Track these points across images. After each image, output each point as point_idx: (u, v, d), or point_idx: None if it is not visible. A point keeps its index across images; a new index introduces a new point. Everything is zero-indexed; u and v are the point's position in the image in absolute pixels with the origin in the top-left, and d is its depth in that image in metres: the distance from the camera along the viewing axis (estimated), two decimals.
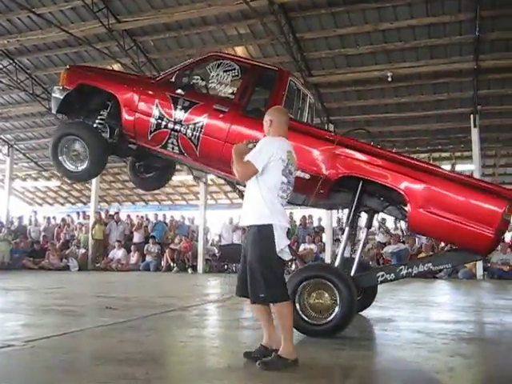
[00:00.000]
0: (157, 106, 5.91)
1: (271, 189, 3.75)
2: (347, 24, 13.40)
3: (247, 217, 3.83)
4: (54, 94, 6.52)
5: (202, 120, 5.65)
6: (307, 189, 5.12)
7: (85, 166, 6.31)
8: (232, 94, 5.74)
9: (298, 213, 17.40)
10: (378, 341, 4.99)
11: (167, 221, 19.59)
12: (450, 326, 5.80)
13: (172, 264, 16.43)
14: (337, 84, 15.43)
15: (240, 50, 14.96)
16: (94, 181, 19.76)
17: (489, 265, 14.09)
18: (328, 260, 14.94)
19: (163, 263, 16.60)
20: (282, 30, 13.21)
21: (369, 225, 5.82)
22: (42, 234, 19.73)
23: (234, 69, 5.79)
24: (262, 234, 3.69)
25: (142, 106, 6.03)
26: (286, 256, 3.77)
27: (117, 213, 19.88)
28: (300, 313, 4.75)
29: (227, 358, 4.19)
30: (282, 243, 3.70)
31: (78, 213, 21.90)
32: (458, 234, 4.67)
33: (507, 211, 4.51)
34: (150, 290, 8.97)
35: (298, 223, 17.49)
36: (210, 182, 19.87)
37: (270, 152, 3.74)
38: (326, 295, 4.76)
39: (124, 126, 6.19)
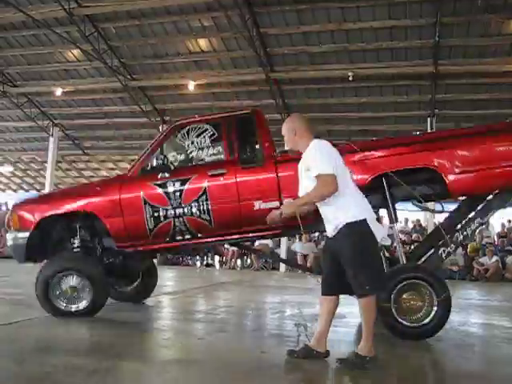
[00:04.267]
0: (145, 200, 5.33)
1: (351, 188, 3.70)
2: (311, 22, 13.48)
3: (337, 223, 3.66)
4: (11, 243, 5.69)
5: (204, 191, 5.24)
6: None
7: (87, 301, 5.39)
8: (218, 153, 5.44)
9: None
10: (328, 337, 5.05)
11: None
12: None
13: None
14: (298, 81, 15.50)
15: (203, 42, 14.87)
16: (48, 168, 19.37)
17: None
18: (283, 255, 15.07)
19: None
20: (245, 24, 13.18)
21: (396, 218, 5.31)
22: None
23: (207, 129, 5.48)
24: (360, 228, 3.60)
25: (127, 208, 5.38)
26: (386, 241, 3.79)
27: None
28: (396, 316, 4.58)
29: (177, 350, 4.18)
30: (380, 233, 3.68)
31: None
32: (499, 178, 4.81)
33: None
34: None
35: None
36: None
37: (330, 152, 3.65)
38: (419, 296, 4.63)
39: (115, 238, 5.50)
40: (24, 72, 17.44)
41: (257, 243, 15.68)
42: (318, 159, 3.60)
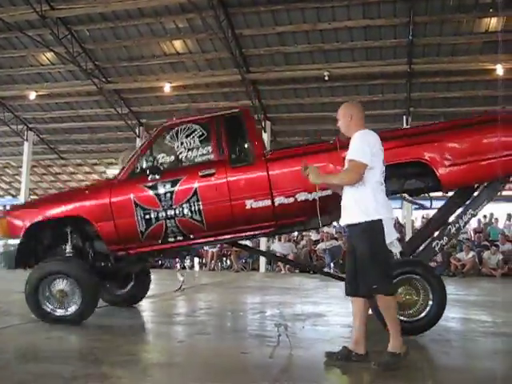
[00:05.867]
0: (135, 203, 5.27)
1: (374, 182, 3.70)
2: (286, 22, 13.52)
3: (351, 215, 3.73)
4: (1, 250, 5.71)
5: (195, 192, 5.20)
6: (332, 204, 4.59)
7: (77, 306, 5.28)
8: (208, 153, 5.38)
9: None
10: (308, 336, 5.07)
11: None
12: None
13: None
14: (275, 81, 15.52)
15: (178, 44, 14.82)
16: (24, 173, 19.09)
17: None
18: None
19: None
20: (220, 25, 13.16)
21: None
22: None
23: (195, 129, 5.43)
24: (372, 229, 3.63)
25: (118, 211, 5.32)
26: (395, 249, 3.75)
27: None
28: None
29: (157, 353, 4.15)
30: (391, 236, 3.70)
31: (4, 206, 21.08)
32: (489, 169, 4.80)
33: None
34: None
35: None
36: None
37: (372, 144, 3.69)
38: (414, 291, 4.67)
39: (107, 242, 5.44)
40: None
41: None
42: (357, 146, 3.69)
